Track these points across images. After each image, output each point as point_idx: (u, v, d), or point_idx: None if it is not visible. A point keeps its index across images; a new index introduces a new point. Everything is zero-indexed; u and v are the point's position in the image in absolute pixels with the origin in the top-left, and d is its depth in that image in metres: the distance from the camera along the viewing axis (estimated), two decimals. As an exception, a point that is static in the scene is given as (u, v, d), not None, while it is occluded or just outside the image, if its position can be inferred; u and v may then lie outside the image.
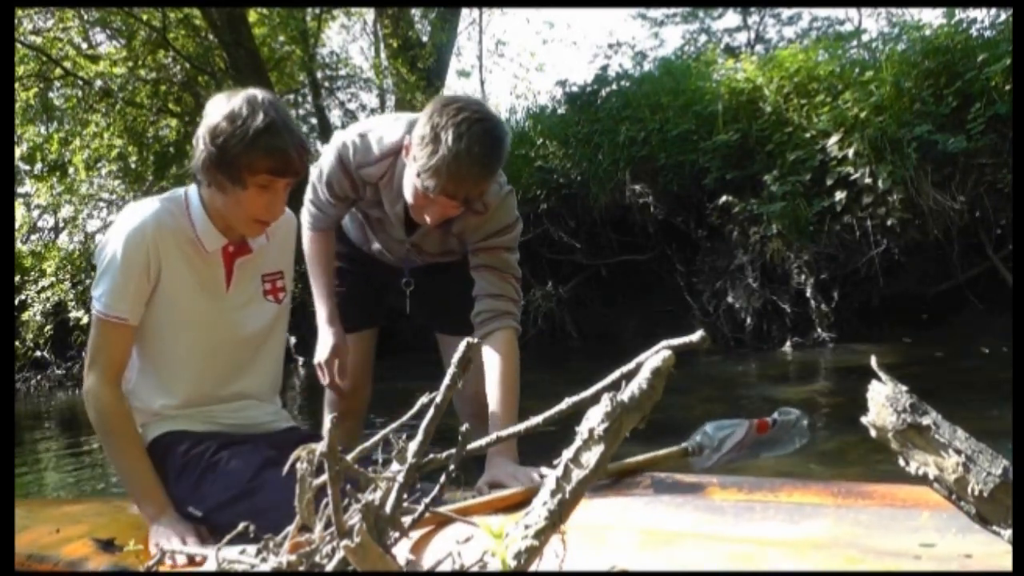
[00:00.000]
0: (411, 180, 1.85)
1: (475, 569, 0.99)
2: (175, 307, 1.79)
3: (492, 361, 1.94)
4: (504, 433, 1.26)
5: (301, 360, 6.85)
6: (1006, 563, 1.04)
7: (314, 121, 9.66)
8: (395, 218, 2.09)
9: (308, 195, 2.18)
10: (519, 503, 1.52)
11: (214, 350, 1.85)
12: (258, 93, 1.71)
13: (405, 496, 1.11)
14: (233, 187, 1.70)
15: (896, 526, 1.20)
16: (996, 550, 1.06)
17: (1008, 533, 0.90)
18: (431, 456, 1.17)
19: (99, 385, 1.74)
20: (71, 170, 9.24)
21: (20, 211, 10.49)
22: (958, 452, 0.91)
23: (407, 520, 1.15)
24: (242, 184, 1.69)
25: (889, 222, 5.00)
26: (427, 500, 1.19)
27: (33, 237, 11.80)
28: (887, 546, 1.13)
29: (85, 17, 8.76)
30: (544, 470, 1.72)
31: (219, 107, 1.69)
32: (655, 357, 1.03)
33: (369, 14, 11.11)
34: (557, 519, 0.93)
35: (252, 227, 1.79)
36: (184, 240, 1.78)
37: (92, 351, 1.76)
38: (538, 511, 0.93)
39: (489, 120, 1.80)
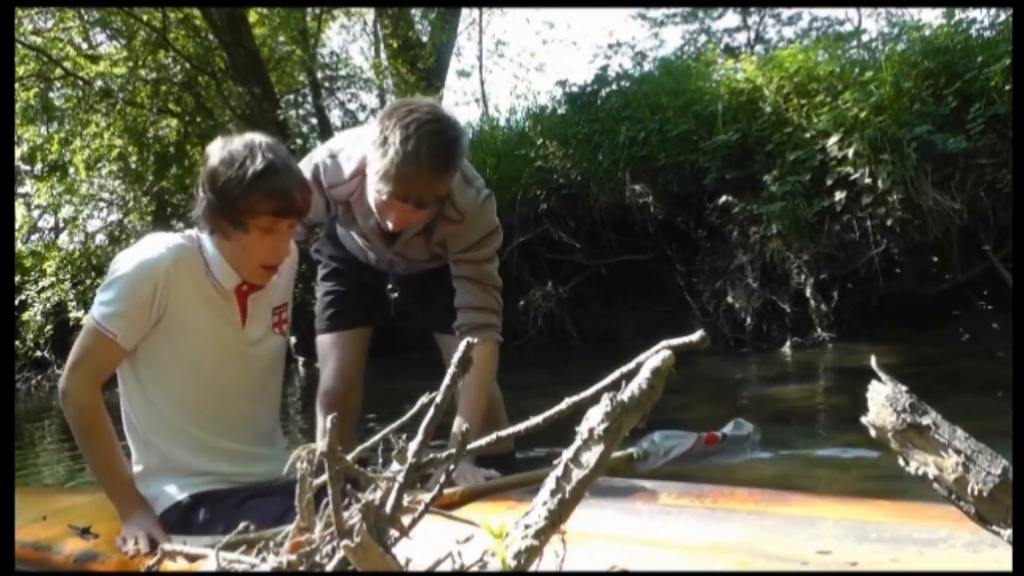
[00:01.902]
0: (372, 187, 1.85)
1: (475, 569, 0.99)
2: (193, 345, 1.78)
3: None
4: (504, 433, 1.26)
5: (301, 360, 6.86)
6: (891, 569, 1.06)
7: (314, 121, 9.65)
8: (370, 232, 2.08)
9: None
10: (457, 503, 1.58)
11: (231, 385, 1.84)
12: (256, 137, 1.70)
13: (405, 496, 1.10)
14: (236, 231, 1.69)
15: (799, 533, 1.23)
16: (882, 559, 1.10)
17: (1008, 533, 0.90)
18: (431, 456, 1.17)
19: (81, 386, 1.74)
20: (71, 170, 9.25)
21: (20, 211, 10.47)
22: (958, 452, 0.91)
23: (407, 520, 1.15)
24: (244, 228, 1.68)
25: (889, 222, 5.00)
26: (427, 500, 1.19)
27: (33, 237, 11.79)
28: (783, 552, 1.15)
29: (85, 17, 8.77)
30: (493, 472, 1.77)
31: (217, 153, 1.68)
32: (655, 357, 1.03)
33: (369, 14, 11.09)
34: (557, 519, 0.93)
35: (260, 274, 1.78)
36: (201, 277, 1.77)
37: (79, 353, 1.75)
38: (538, 511, 0.93)
39: (439, 121, 1.78)
